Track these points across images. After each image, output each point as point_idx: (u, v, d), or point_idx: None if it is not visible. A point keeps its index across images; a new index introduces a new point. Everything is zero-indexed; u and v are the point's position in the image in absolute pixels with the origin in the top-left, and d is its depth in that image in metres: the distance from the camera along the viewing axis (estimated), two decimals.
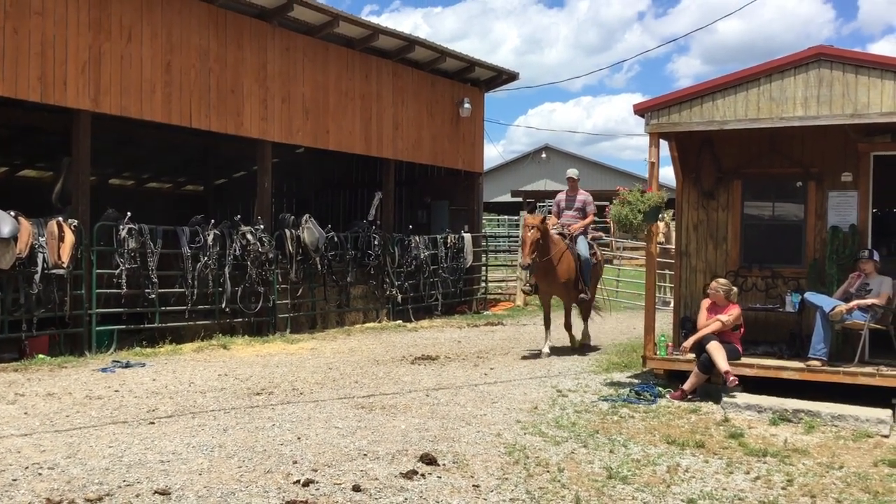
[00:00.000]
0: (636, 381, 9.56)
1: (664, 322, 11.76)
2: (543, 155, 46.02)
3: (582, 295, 12.01)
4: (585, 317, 12.91)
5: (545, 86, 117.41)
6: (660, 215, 9.40)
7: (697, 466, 6.09)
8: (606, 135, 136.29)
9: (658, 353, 9.38)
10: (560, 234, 11.84)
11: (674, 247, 11.02)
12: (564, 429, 7.13)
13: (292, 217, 14.65)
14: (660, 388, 8.91)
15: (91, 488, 5.15)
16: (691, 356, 8.89)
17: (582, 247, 12.00)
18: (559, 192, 13.01)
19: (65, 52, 11.14)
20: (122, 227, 11.60)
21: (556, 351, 11.96)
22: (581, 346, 12.47)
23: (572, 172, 12.72)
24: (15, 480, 5.29)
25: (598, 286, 13.65)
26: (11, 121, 16.36)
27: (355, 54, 16.13)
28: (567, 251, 11.68)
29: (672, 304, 11.72)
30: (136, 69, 12.06)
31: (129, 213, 11.82)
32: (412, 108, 17.72)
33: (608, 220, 12.01)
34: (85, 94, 11.40)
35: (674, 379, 9.24)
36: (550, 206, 36.18)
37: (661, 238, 18.00)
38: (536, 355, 11.51)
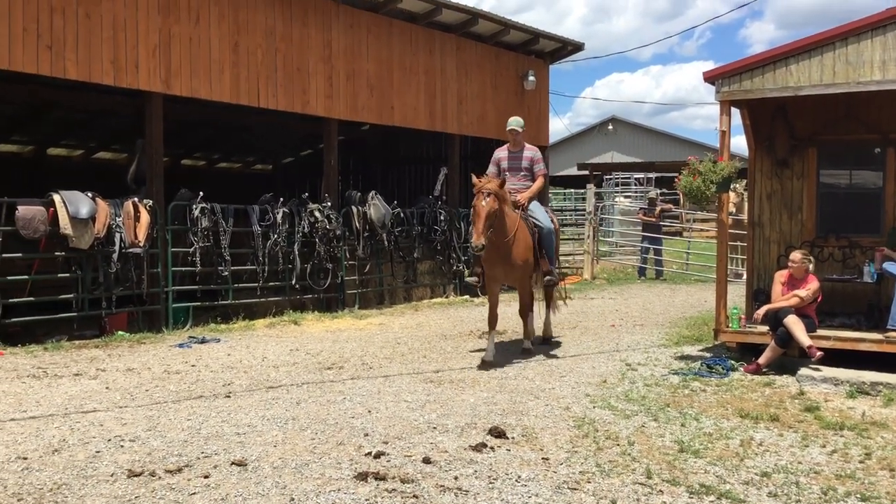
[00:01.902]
0: (707, 354, 9.42)
1: (736, 294, 11.52)
2: (610, 127, 45.41)
3: (549, 277, 9.56)
4: (549, 303, 10.71)
5: (612, 56, 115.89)
6: (731, 185, 9.19)
7: (772, 440, 5.99)
8: (676, 104, 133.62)
9: (730, 325, 9.22)
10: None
11: (746, 217, 10.76)
12: (634, 402, 7.08)
13: (359, 194, 14.78)
14: (732, 362, 8.76)
15: (171, 460, 5.32)
16: (765, 329, 8.71)
17: (540, 215, 9.60)
18: (499, 151, 9.99)
19: (136, 35, 11.38)
20: (195, 206, 11.87)
21: (507, 350, 9.66)
22: (544, 341, 10.48)
23: (515, 122, 9.79)
24: (98, 452, 5.49)
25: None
26: (86, 104, 16.83)
27: (419, 29, 16.10)
28: (521, 225, 9.09)
29: (744, 277, 11.47)
30: (205, 51, 12.27)
31: (201, 193, 12.08)
32: (476, 82, 17.63)
33: (678, 191, 10.74)
34: (156, 76, 11.65)
35: (746, 352, 9.07)
36: (617, 179, 35.26)
37: (731, 208, 17.61)
38: (490, 359, 8.89)
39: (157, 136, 11.90)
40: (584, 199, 26.80)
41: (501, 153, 9.91)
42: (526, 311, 9.64)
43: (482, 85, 17.81)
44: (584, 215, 23.79)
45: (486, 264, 9.13)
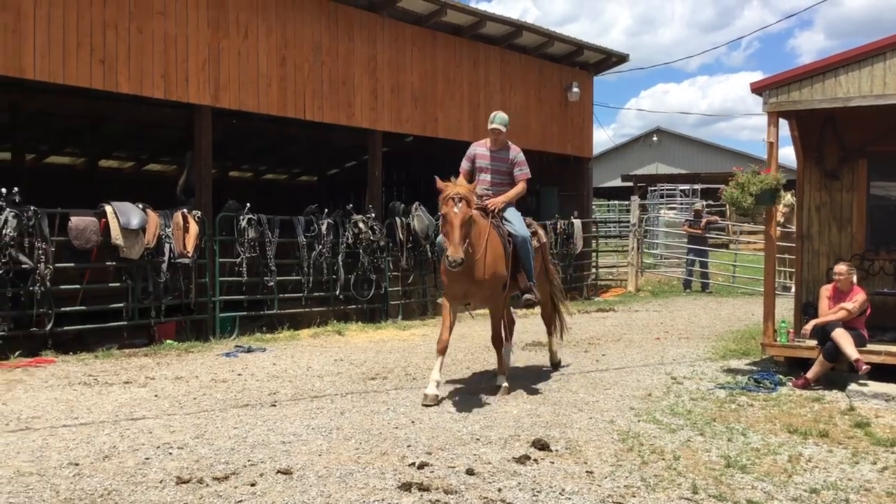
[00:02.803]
0: (755, 368, 9.29)
1: (784, 308, 11.35)
2: (655, 138, 45.06)
3: (528, 295, 8.27)
4: (549, 326, 9.48)
5: (658, 66, 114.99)
6: (778, 197, 9.06)
7: (821, 456, 5.88)
8: (722, 115, 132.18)
9: (778, 339, 9.09)
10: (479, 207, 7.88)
11: (794, 230, 10.60)
12: (680, 416, 7.00)
13: (403, 205, 14.86)
14: (780, 376, 8.64)
15: (218, 467, 5.40)
16: (813, 343, 8.57)
17: (516, 221, 8.22)
18: (477, 145, 8.64)
19: (186, 50, 11.62)
20: (242, 217, 12.05)
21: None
22: (554, 368, 9.35)
23: (499, 120, 8.32)
24: (147, 459, 5.59)
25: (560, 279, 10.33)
26: (137, 117, 17.21)
27: (463, 41, 16.19)
28: (492, 234, 7.80)
29: (793, 290, 11.29)
30: (253, 65, 12.47)
31: (248, 204, 12.26)
32: (520, 94, 17.65)
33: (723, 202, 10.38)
34: (205, 90, 11.87)
35: (795, 367, 8.93)
36: (661, 190, 34.77)
37: (780, 218, 17.32)
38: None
39: (205, 149, 12.11)
40: (628, 210, 26.58)
41: (479, 149, 8.49)
42: (499, 339, 8.18)
43: (526, 97, 17.83)
44: (627, 227, 23.63)
45: (447, 280, 7.76)
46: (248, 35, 12.39)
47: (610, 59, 19.96)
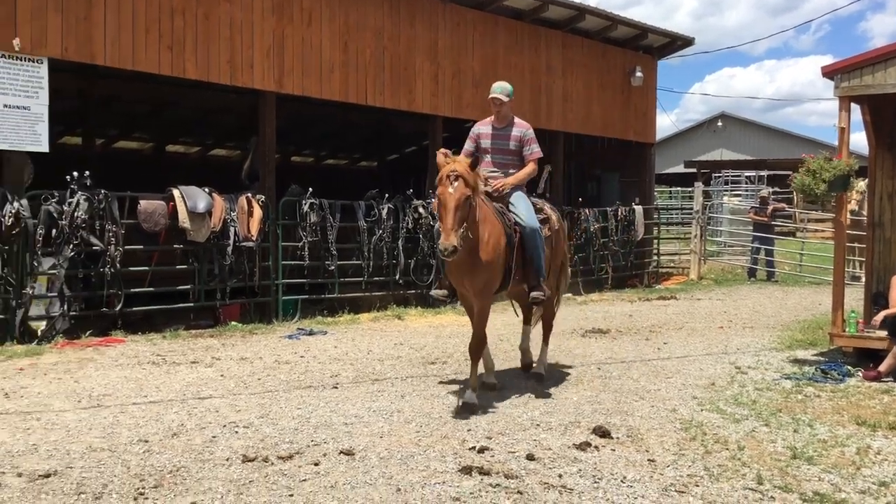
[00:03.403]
0: (822, 359, 9.08)
1: (853, 298, 11.05)
2: (719, 123, 44.23)
3: (535, 293, 7.13)
4: (546, 333, 8.31)
5: (723, 50, 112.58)
6: (850, 184, 8.81)
7: (890, 449, 5.73)
8: (791, 100, 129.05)
9: (847, 330, 8.86)
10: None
11: (865, 217, 10.30)
12: (744, 406, 6.89)
13: None
14: (849, 368, 8.42)
15: (282, 447, 5.50)
16: (883, 334, 8.34)
17: (523, 209, 7.24)
18: (478, 125, 7.84)
19: (251, 36, 11.78)
20: (304, 202, 12.20)
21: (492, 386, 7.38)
22: (533, 373, 7.99)
23: (499, 89, 7.53)
24: (214, 437, 5.72)
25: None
26: (202, 103, 17.52)
27: (524, 26, 16.08)
28: (493, 221, 6.83)
29: (863, 279, 10.99)
30: (316, 51, 12.58)
31: (310, 189, 12.41)
32: (581, 79, 17.47)
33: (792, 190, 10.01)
34: (270, 76, 12.03)
35: (864, 358, 8.70)
36: (726, 177, 34.13)
37: (854, 206, 16.83)
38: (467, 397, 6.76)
39: (269, 134, 12.28)
40: (691, 197, 26.16)
41: (483, 128, 7.64)
42: (477, 344, 6.82)
43: (587, 81, 17.64)
44: (690, 214, 23.26)
45: (450, 275, 7.01)
46: (311, 22, 12.50)
47: (674, 43, 19.62)
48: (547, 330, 8.35)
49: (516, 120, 7.63)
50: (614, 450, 5.58)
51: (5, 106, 9.51)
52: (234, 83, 11.80)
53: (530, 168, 7.50)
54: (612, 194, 19.97)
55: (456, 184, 6.29)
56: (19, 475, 4.81)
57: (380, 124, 21.37)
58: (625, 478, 4.99)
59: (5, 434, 5.69)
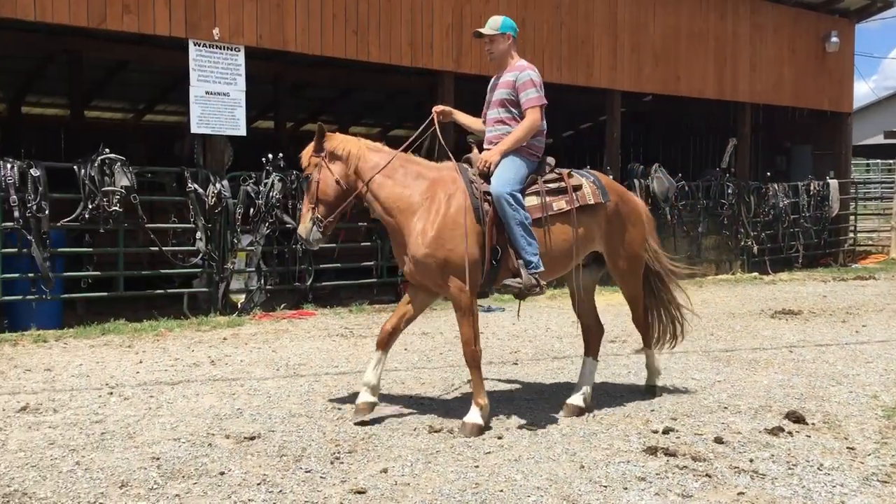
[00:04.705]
0: None
1: None
2: None
3: (510, 281, 5.55)
4: (646, 332, 6.60)
5: None
6: None
7: None
8: None
9: None
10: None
11: None
12: None
13: (641, 167, 14.52)
14: None
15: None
16: None
17: (499, 173, 5.65)
18: None
19: (431, 17, 11.98)
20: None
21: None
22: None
23: (489, 24, 6.05)
24: (401, 409, 5.93)
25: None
26: (384, 84, 18.04)
27: None
28: (446, 199, 5.52)
29: None
30: None
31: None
32: (771, 47, 16.54)
33: None
34: (448, 55, 12.20)
35: None
36: None
37: None
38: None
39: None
40: (891, 170, 24.28)
41: (492, 80, 6.19)
42: (470, 354, 5.49)
43: (778, 49, 16.67)
44: (891, 189, 21.60)
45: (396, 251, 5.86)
46: None
47: (874, 5, 18.16)
48: (644, 333, 6.48)
49: (511, 62, 5.98)
50: (809, 436, 5.31)
51: (207, 93, 10.19)
52: (414, 64, 12.07)
53: (528, 121, 5.75)
54: (804, 168, 18.84)
55: (317, 170, 5.73)
56: (227, 437, 5.20)
57: (554, 101, 21.12)
58: (821, 465, 4.74)
59: (213, 398, 6.17)
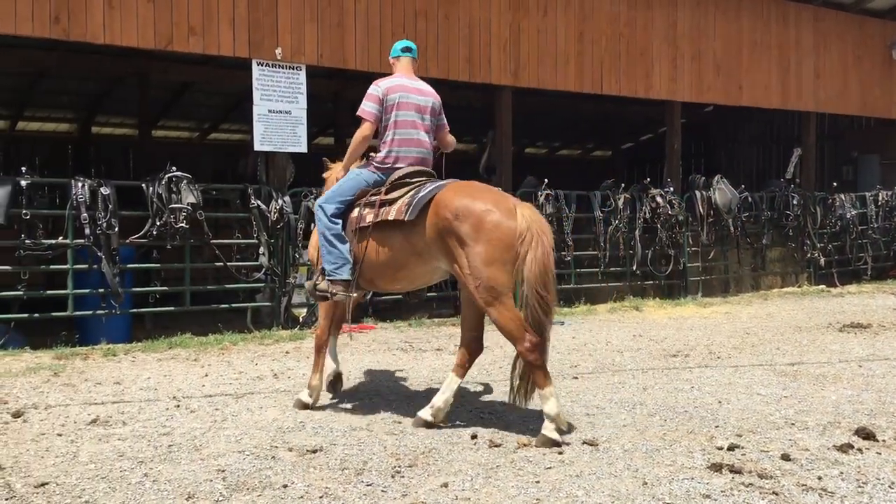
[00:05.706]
0: None
1: None
2: None
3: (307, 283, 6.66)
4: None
5: None
6: None
7: None
8: None
9: None
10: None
11: None
12: None
13: (703, 178, 14.35)
14: None
15: (529, 434, 5.60)
16: None
17: (325, 193, 6.37)
18: None
19: (489, 32, 12.05)
20: (540, 193, 12.30)
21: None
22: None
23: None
24: (461, 422, 5.94)
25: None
26: (443, 99, 18.11)
27: (770, 2, 15.19)
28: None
29: None
30: (552, 42, 12.64)
31: (545, 180, 12.49)
32: (836, 54, 16.21)
33: None
34: (506, 70, 12.24)
35: None
36: None
37: None
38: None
39: (506, 127, 12.52)
40: None
41: None
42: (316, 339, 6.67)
43: (843, 57, 16.33)
44: None
45: None
46: (546, 12, 12.56)
47: None
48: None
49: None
50: (880, 453, 5.16)
51: (269, 111, 10.40)
52: (472, 79, 12.14)
53: (354, 135, 6.22)
54: (872, 178, 18.38)
55: None
56: (290, 450, 5.28)
57: (613, 113, 21.06)
58: (893, 483, 4.60)
59: (276, 412, 6.26)
